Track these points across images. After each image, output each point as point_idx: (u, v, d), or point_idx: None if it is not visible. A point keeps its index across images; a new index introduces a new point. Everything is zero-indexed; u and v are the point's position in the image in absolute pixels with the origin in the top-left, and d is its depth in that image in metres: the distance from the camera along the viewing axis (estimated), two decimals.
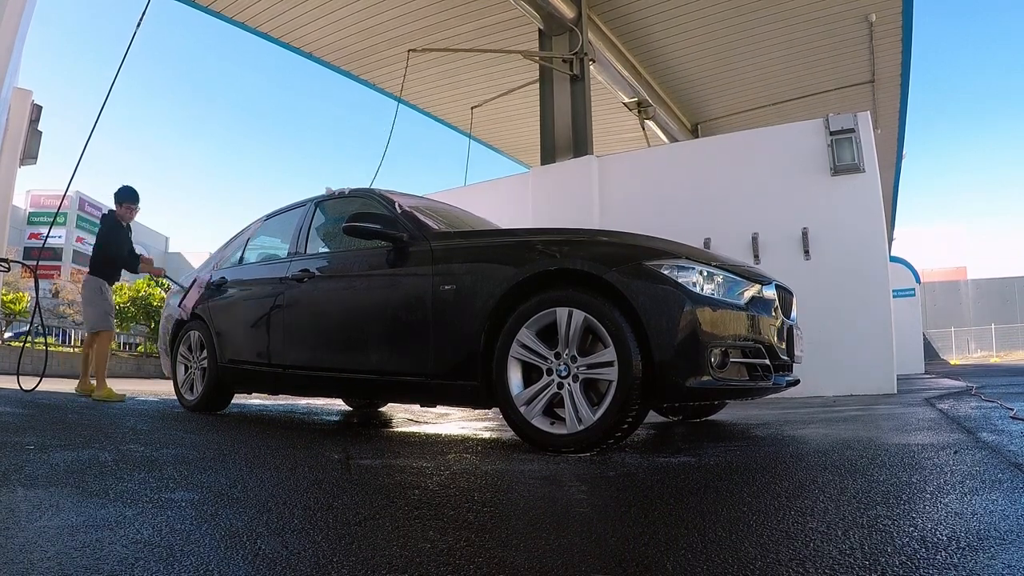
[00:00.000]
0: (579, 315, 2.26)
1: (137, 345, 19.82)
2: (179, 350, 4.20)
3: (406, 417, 4.10)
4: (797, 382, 2.78)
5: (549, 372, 2.31)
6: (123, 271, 5.12)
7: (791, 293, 2.98)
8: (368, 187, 3.58)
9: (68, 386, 5.56)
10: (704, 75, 9.19)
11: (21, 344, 9.97)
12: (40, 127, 4.38)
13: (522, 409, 2.32)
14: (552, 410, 2.34)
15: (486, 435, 3.00)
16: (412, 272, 2.77)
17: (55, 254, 32.78)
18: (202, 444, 2.50)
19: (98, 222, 4.64)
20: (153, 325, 18.73)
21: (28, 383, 4.70)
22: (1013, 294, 27.66)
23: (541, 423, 2.30)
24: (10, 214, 4.37)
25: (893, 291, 5.26)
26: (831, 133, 5.16)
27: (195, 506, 1.43)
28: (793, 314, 2.96)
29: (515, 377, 2.37)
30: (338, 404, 5.09)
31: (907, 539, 1.07)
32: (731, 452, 2.21)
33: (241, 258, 4.12)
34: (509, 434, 2.82)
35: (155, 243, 42.55)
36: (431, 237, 2.86)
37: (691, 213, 5.61)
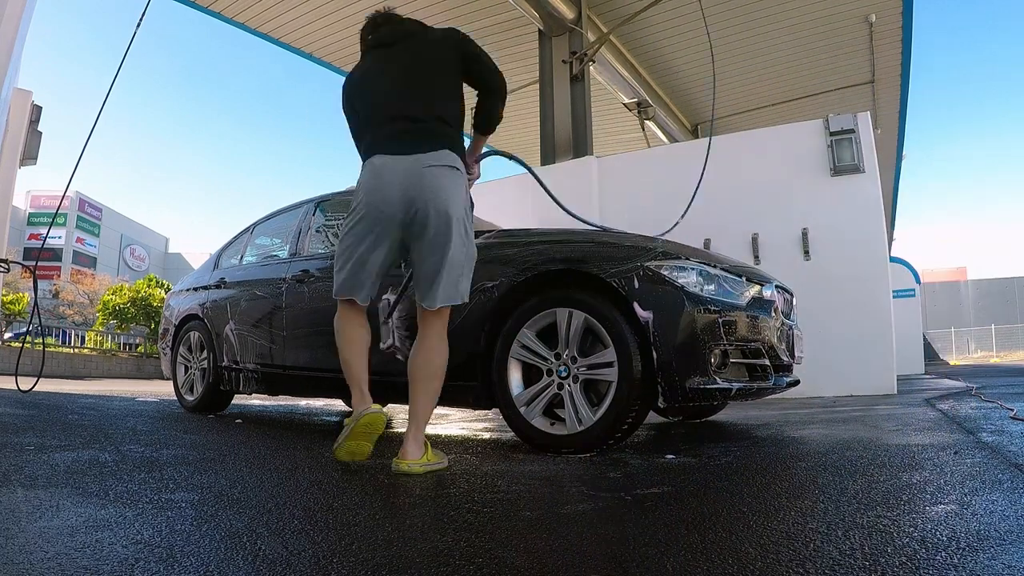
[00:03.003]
0: (579, 316, 2.26)
1: (137, 345, 19.84)
2: (179, 351, 4.20)
3: (406, 418, 4.09)
4: (797, 382, 2.78)
5: (549, 373, 2.31)
6: None
7: (791, 293, 2.98)
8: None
9: (68, 387, 5.54)
10: (704, 75, 9.18)
11: (19, 345, 9.96)
12: (40, 127, 4.36)
13: (522, 410, 2.32)
14: (552, 411, 2.34)
15: (486, 436, 3.00)
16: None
17: (55, 255, 32.80)
18: (202, 445, 2.50)
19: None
20: (153, 325, 18.72)
21: (26, 384, 4.70)
22: (1013, 294, 27.68)
23: (541, 424, 2.30)
24: (10, 214, 4.36)
25: (893, 291, 5.25)
26: (831, 133, 5.15)
27: (195, 507, 1.43)
28: (793, 314, 2.96)
29: (515, 378, 2.37)
30: (338, 404, 5.09)
31: (907, 539, 1.07)
32: (731, 452, 2.21)
33: (241, 259, 4.12)
34: (509, 435, 2.82)
35: (155, 243, 42.58)
36: None
37: (691, 213, 5.59)
